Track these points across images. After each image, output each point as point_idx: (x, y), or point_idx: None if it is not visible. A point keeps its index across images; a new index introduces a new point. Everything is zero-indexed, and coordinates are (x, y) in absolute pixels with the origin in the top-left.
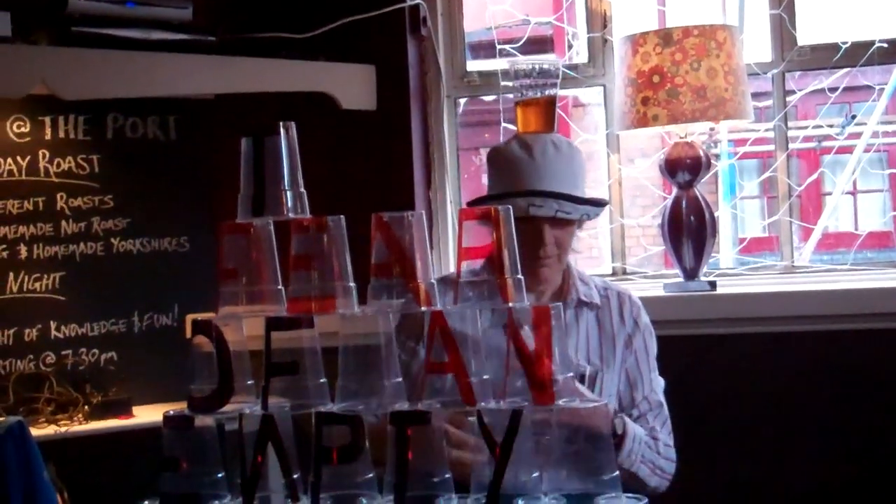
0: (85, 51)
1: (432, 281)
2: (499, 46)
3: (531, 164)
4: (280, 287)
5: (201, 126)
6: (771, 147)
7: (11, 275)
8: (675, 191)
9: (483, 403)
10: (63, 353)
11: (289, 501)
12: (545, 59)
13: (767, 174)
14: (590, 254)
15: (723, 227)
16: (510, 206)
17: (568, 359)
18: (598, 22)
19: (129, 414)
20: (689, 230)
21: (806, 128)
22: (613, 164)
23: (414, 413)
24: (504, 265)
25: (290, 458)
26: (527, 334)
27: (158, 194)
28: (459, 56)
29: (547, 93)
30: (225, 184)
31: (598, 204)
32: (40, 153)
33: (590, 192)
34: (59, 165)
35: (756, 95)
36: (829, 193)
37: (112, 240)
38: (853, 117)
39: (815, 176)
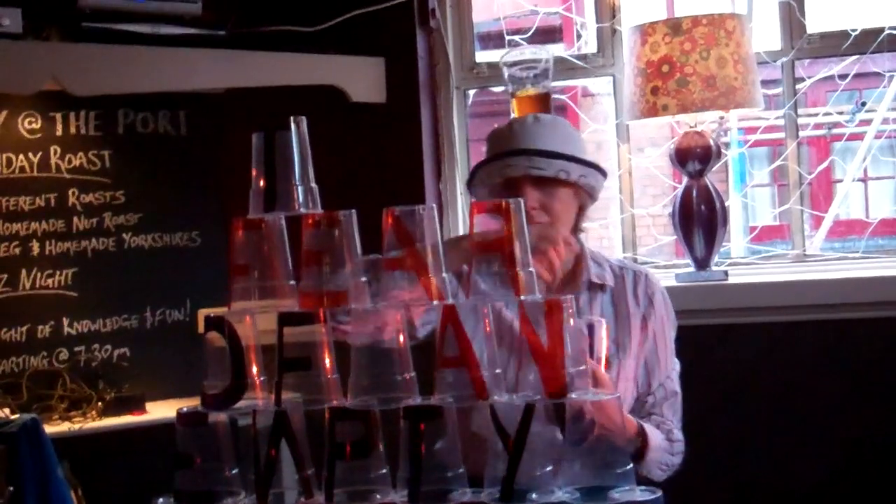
0: (95, 46)
1: (444, 275)
2: (508, 37)
3: (509, 133)
4: (292, 282)
5: (212, 120)
6: (781, 135)
7: (24, 271)
8: (685, 180)
9: (496, 397)
10: (76, 349)
11: (302, 497)
12: (538, 54)
13: (778, 162)
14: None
15: (733, 215)
16: (520, 200)
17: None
18: (607, 11)
19: (142, 410)
20: (699, 219)
21: (816, 115)
22: (623, 154)
23: (427, 407)
24: (516, 258)
25: (303, 454)
26: (539, 327)
27: (170, 189)
28: (468, 47)
29: (540, 85)
30: (236, 178)
31: (583, 163)
32: (52, 149)
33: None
34: (70, 161)
35: (766, 84)
36: (840, 181)
37: (124, 235)
38: (863, 104)
39: (825, 164)
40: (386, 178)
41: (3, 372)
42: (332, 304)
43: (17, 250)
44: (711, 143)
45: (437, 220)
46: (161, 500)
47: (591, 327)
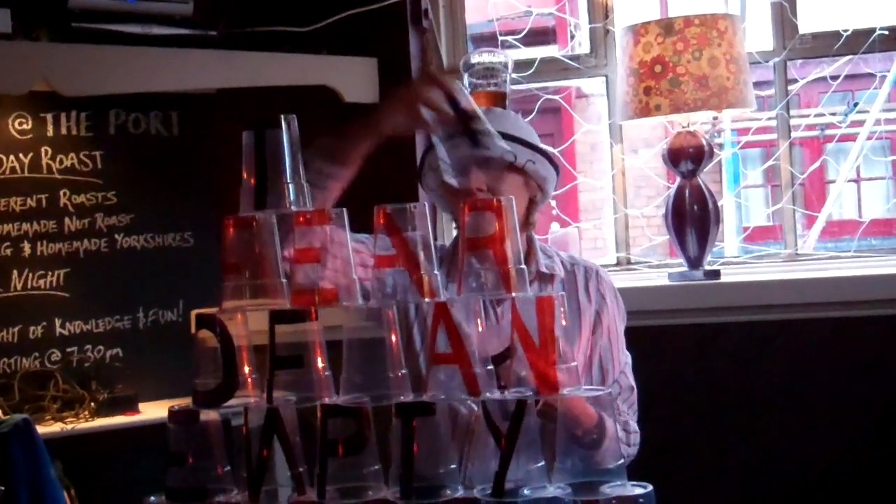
0: (86, 47)
1: (436, 272)
2: (501, 38)
3: None
4: (283, 280)
5: (203, 121)
6: (773, 136)
7: (15, 272)
8: (678, 180)
9: (487, 394)
10: (68, 350)
11: (295, 494)
12: (496, 56)
13: (770, 163)
14: (594, 244)
15: (727, 215)
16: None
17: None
18: (600, 12)
19: (135, 410)
20: (692, 219)
21: (808, 116)
22: (616, 155)
23: (419, 404)
24: (507, 255)
25: (295, 452)
26: (530, 324)
27: (162, 190)
28: (461, 48)
29: (495, 87)
30: (228, 178)
31: (531, 147)
32: (42, 150)
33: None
34: (61, 162)
35: (758, 84)
36: (833, 181)
37: (116, 236)
38: (855, 105)
39: (817, 164)
40: (378, 177)
41: None
42: (324, 302)
43: (9, 251)
44: (704, 143)
45: (428, 217)
46: (153, 498)
47: None
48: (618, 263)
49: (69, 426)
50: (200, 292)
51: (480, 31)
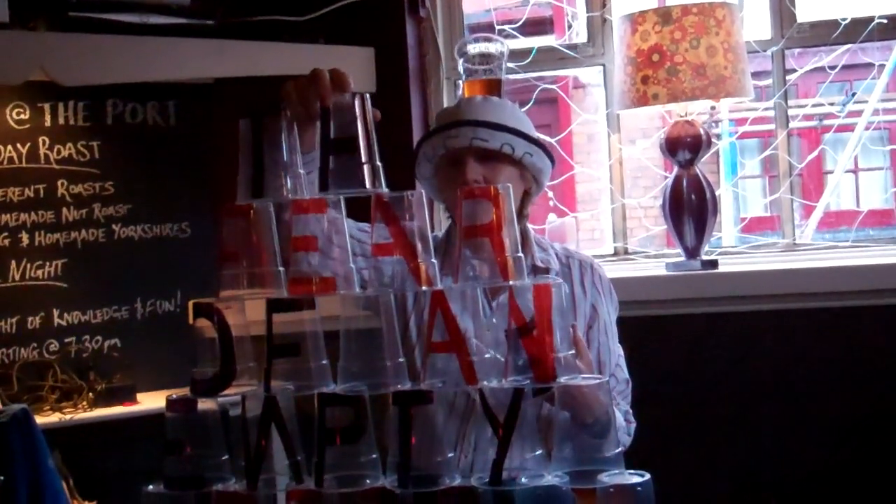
0: (83, 36)
1: (433, 261)
2: (498, 27)
3: (455, 109)
4: (281, 269)
5: (201, 110)
6: (771, 126)
7: (13, 262)
8: (675, 170)
9: (485, 382)
10: (66, 340)
11: (293, 483)
12: (492, 43)
13: (768, 152)
14: (592, 235)
15: (724, 206)
16: (509, 185)
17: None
18: (597, 1)
19: (133, 401)
20: (690, 209)
21: (806, 106)
22: (614, 145)
23: (416, 393)
24: (504, 244)
25: (293, 440)
26: (528, 312)
27: (159, 180)
28: (458, 38)
29: (490, 74)
30: (225, 168)
31: (529, 139)
32: (40, 140)
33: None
34: (59, 152)
35: (756, 74)
36: (831, 172)
37: (113, 226)
38: (853, 95)
39: (815, 154)
40: None
41: None
42: (321, 290)
43: (7, 241)
44: (702, 132)
45: (425, 206)
46: (151, 486)
47: None
48: (615, 253)
49: (68, 416)
50: (198, 282)
51: (478, 21)
